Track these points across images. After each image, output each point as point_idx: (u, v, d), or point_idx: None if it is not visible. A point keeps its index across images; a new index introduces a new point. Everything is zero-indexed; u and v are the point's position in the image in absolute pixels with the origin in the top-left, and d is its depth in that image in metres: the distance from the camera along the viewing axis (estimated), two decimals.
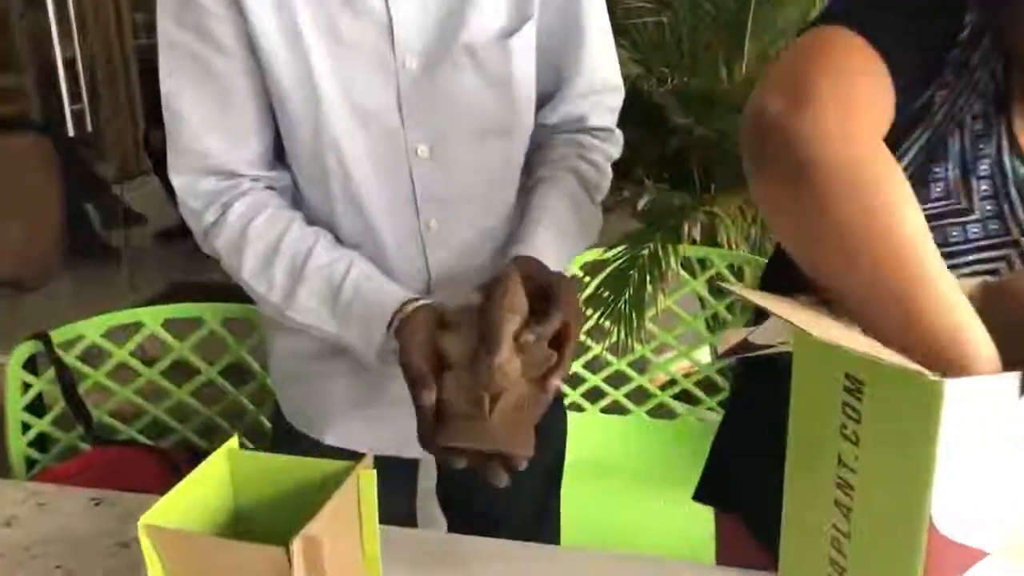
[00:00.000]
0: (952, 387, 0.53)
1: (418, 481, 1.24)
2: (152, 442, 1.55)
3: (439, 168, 0.99)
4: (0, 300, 3.66)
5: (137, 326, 1.53)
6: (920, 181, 0.79)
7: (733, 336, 0.78)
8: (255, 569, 0.69)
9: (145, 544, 0.71)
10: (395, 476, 1.12)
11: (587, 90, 1.07)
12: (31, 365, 1.49)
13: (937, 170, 0.80)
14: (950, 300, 0.61)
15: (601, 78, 1.08)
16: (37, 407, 1.50)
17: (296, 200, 1.04)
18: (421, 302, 0.93)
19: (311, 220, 1.02)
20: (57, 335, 1.48)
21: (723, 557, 1.14)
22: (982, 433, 0.54)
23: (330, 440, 1.11)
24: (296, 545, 0.67)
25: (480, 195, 1.03)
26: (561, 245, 0.98)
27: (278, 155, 1.02)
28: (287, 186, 1.03)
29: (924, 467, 0.54)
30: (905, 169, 0.79)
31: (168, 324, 1.55)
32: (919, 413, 0.54)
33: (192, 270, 3.89)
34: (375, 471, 0.78)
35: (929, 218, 0.76)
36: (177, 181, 0.99)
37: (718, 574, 0.95)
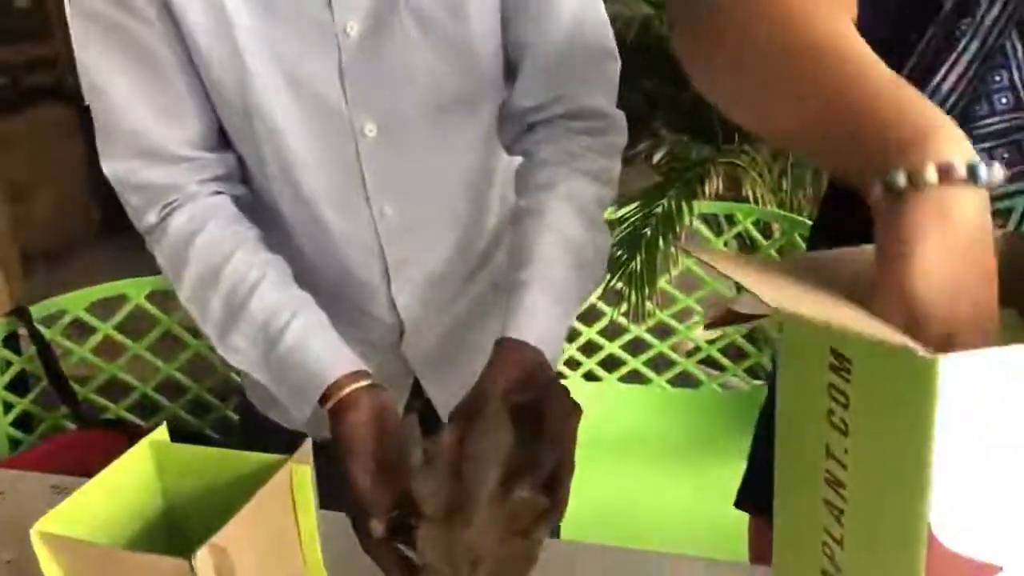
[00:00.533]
0: (948, 365, 0.42)
1: None
2: (141, 420, 1.49)
3: (390, 149, 0.87)
4: (33, 270, 3.66)
5: (121, 299, 1.46)
6: (979, 94, 0.67)
7: (718, 306, 0.68)
8: None
9: (41, 553, 0.63)
10: None
11: (561, 63, 0.89)
12: (13, 342, 1.43)
13: (998, 78, 0.67)
14: (883, 79, 0.52)
15: (581, 45, 0.90)
16: (21, 386, 1.45)
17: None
18: (361, 384, 0.80)
19: (258, 211, 0.91)
20: (38, 310, 1.42)
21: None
22: (985, 419, 0.44)
23: (293, 424, 1.03)
24: (201, 557, 0.58)
25: (441, 178, 0.91)
26: (559, 309, 0.83)
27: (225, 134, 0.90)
28: (234, 168, 0.91)
29: (919, 462, 0.44)
30: (956, 84, 0.67)
31: (155, 298, 1.48)
32: (911, 396, 0.44)
33: None
34: (310, 466, 0.69)
35: (996, 134, 0.66)
36: (110, 170, 0.87)
37: (730, 571, 0.85)
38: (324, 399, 0.80)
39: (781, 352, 0.58)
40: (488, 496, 0.70)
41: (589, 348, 1.77)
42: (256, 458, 0.71)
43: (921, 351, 0.42)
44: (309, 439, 0.71)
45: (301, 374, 0.82)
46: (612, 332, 1.78)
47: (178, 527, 0.74)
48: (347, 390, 0.79)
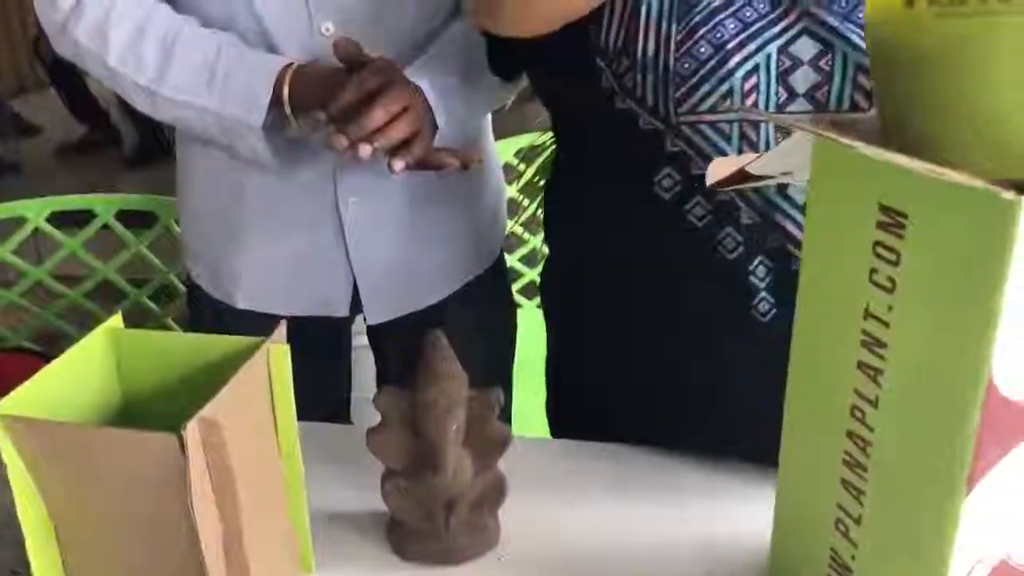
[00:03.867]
0: None
1: (353, 346, 1.12)
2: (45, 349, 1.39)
3: None
4: None
5: (19, 222, 1.36)
6: None
7: (725, 165, 0.67)
8: (142, 462, 0.56)
9: (2, 441, 0.57)
10: (321, 343, 1.03)
11: None
12: None
13: None
14: None
15: None
16: None
17: None
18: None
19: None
20: None
21: None
22: None
23: (242, 303, 1.00)
24: (190, 430, 0.54)
25: None
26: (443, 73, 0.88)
27: None
28: None
29: (988, 310, 0.44)
30: None
31: (54, 224, 1.37)
32: (985, 243, 0.43)
33: (94, 184, 3.67)
34: (286, 347, 0.65)
35: (717, 10, 0.71)
36: None
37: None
38: (277, 86, 0.85)
39: (809, 211, 0.57)
40: (453, 440, 0.69)
41: (511, 275, 1.75)
42: (225, 342, 0.67)
43: (1004, 192, 0.42)
44: (284, 322, 0.67)
45: (248, 74, 0.86)
46: (533, 260, 1.77)
47: (137, 421, 0.69)
48: (296, 65, 0.86)
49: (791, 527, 0.65)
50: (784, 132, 0.71)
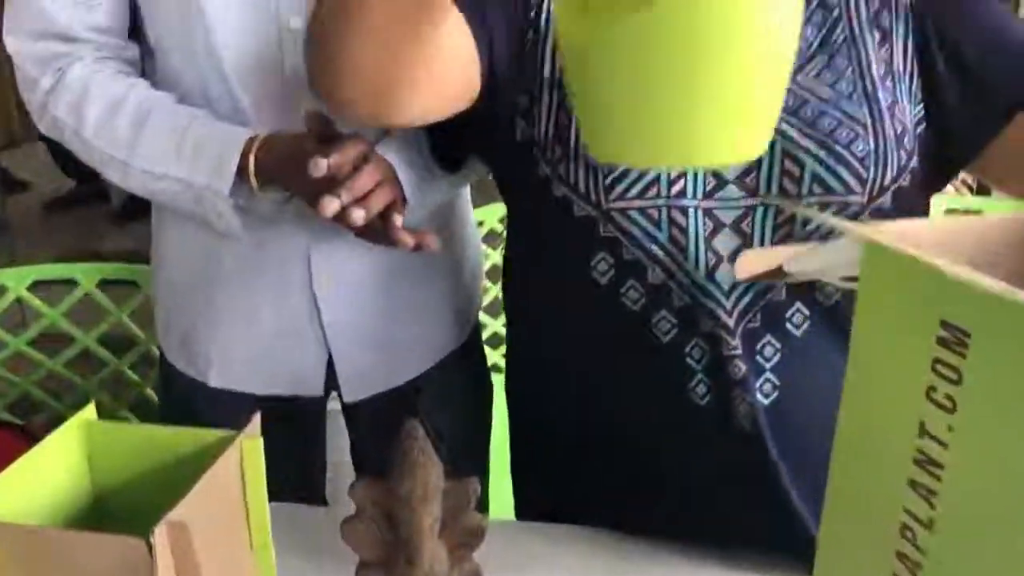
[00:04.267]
0: None
1: (327, 426, 1.11)
2: (21, 421, 1.38)
3: None
4: None
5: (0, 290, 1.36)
6: None
7: (759, 259, 0.66)
8: (110, 565, 0.55)
9: None
10: (295, 421, 1.03)
11: None
12: None
13: None
14: None
15: None
16: None
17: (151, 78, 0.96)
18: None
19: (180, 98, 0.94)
20: None
21: None
22: None
23: (215, 382, 1.00)
24: (159, 534, 0.54)
25: None
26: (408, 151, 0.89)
27: (132, 29, 0.95)
28: (135, 59, 0.95)
29: None
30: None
31: (38, 289, 1.37)
32: None
33: (82, 239, 3.67)
34: (260, 441, 0.64)
35: None
36: (12, 44, 0.91)
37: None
38: (244, 156, 0.85)
39: (857, 317, 0.53)
40: (429, 533, 0.68)
41: (494, 341, 1.75)
42: (198, 435, 0.67)
43: None
44: (258, 414, 0.67)
45: (218, 142, 0.87)
46: None
47: (108, 515, 0.69)
48: (264, 135, 0.87)
49: None
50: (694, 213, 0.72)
